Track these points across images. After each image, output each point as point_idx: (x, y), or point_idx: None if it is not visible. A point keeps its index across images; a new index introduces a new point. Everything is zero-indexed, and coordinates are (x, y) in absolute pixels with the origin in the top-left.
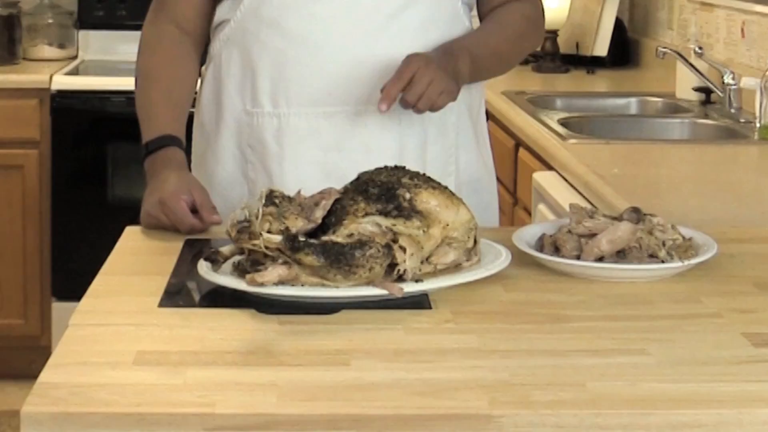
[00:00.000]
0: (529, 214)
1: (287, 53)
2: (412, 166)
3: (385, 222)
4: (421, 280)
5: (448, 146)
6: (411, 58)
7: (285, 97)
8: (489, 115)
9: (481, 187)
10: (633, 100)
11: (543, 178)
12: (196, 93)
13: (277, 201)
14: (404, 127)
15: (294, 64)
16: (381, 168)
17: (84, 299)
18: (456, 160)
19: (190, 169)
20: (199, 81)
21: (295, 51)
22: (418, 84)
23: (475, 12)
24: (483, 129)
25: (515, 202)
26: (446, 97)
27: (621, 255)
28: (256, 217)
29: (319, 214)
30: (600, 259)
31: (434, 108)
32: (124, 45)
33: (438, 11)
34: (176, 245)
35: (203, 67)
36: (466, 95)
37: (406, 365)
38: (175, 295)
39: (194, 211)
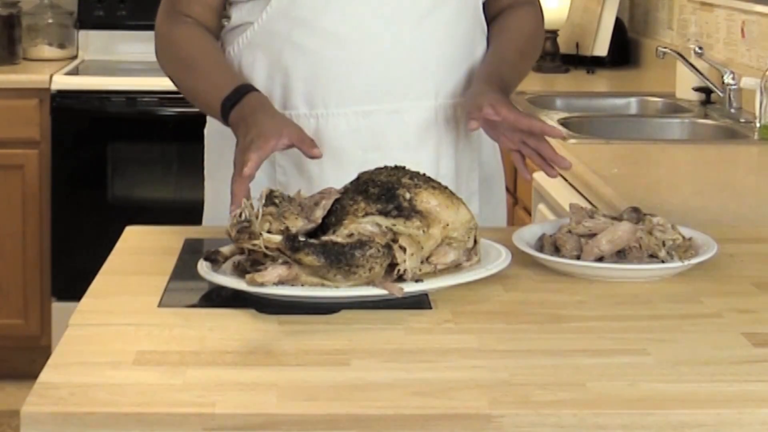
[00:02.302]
0: (529, 214)
1: (322, 53)
2: (447, 162)
3: (385, 222)
4: (421, 280)
5: (474, 140)
6: (493, 99)
7: (322, 97)
8: None
9: (494, 182)
10: (633, 100)
11: (543, 178)
12: None
13: (277, 201)
14: (440, 122)
15: (330, 64)
16: (381, 168)
17: (84, 299)
18: (479, 155)
19: (203, 174)
20: None
21: (330, 50)
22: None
23: None
24: None
25: (515, 202)
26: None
27: (621, 255)
28: (256, 217)
29: (319, 214)
30: (600, 259)
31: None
32: (124, 45)
33: (464, 8)
34: (176, 245)
35: None
36: None
37: (406, 365)
38: (175, 295)
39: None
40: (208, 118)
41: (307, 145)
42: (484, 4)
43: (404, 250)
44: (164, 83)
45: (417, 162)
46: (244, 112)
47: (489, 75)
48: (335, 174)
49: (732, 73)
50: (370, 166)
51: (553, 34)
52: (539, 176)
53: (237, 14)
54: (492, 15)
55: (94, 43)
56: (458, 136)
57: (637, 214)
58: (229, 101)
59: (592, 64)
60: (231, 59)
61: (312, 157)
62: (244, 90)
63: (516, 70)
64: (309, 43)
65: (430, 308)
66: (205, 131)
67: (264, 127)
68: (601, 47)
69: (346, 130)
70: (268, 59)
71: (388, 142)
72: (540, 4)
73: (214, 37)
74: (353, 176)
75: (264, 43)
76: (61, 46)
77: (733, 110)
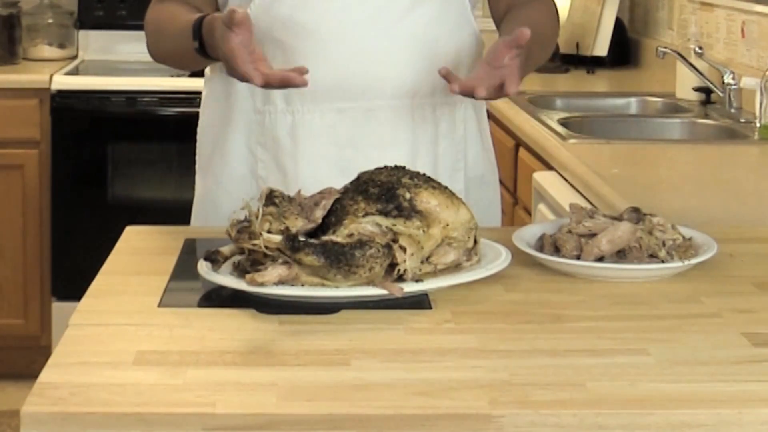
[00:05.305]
0: (529, 214)
1: (301, 50)
2: (424, 161)
3: (385, 222)
4: (421, 280)
5: (458, 141)
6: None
7: (298, 93)
8: (489, 115)
9: (485, 183)
10: (633, 100)
11: (543, 178)
12: (200, 94)
13: (277, 201)
14: (417, 121)
15: (307, 61)
16: (381, 168)
17: (84, 299)
18: (465, 155)
19: (195, 172)
20: (203, 82)
21: (308, 47)
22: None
23: (478, 12)
24: (485, 125)
25: (515, 202)
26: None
27: (621, 255)
28: (256, 217)
29: (319, 214)
30: (600, 259)
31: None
32: (124, 45)
33: (447, 8)
34: (176, 245)
35: (207, 69)
36: None
37: (406, 365)
38: (175, 295)
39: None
40: (200, 115)
41: (229, 19)
42: (490, 2)
43: (404, 250)
44: (164, 83)
45: (392, 160)
46: (209, 36)
47: None
48: (310, 170)
49: (732, 73)
50: (345, 163)
51: None
52: (539, 176)
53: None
54: (500, 13)
55: (94, 43)
56: (437, 136)
57: (637, 214)
58: (196, 32)
59: (592, 64)
60: None
61: (236, 23)
62: (201, 17)
63: (532, 54)
64: (288, 39)
65: (430, 308)
66: (198, 128)
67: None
68: (601, 47)
69: (321, 127)
70: None
71: (364, 139)
72: (553, 1)
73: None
74: (328, 172)
75: None
76: (61, 46)
77: (733, 110)
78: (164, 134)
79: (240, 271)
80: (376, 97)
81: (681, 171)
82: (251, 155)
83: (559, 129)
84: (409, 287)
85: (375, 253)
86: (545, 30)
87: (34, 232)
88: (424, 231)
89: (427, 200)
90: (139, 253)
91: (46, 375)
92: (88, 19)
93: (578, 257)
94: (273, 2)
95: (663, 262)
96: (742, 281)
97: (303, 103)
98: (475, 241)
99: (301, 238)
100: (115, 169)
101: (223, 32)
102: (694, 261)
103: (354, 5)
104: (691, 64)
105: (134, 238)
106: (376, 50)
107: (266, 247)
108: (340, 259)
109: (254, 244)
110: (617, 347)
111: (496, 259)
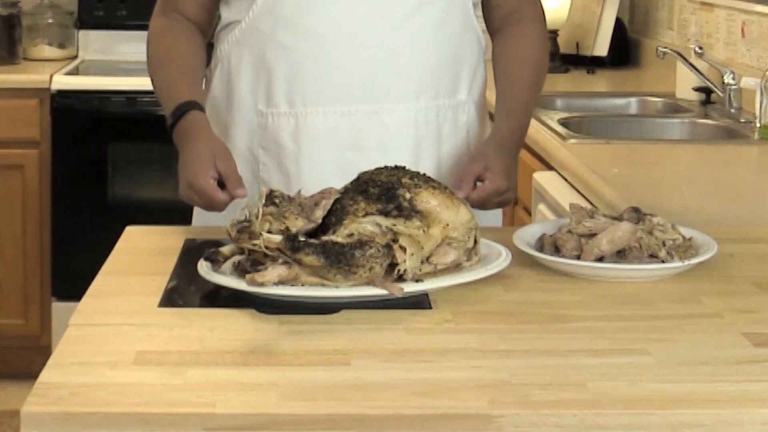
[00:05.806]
0: (529, 214)
1: (304, 52)
2: (427, 164)
3: (385, 222)
4: (421, 280)
5: (460, 144)
6: (497, 170)
7: (301, 96)
8: (490, 115)
9: None
10: (633, 100)
11: (543, 178)
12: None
13: (277, 201)
14: (420, 124)
15: (311, 63)
16: (381, 168)
17: (84, 299)
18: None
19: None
20: (203, 84)
21: (311, 50)
22: (497, 196)
23: (478, 12)
24: (487, 127)
25: (515, 202)
26: (501, 205)
27: (621, 255)
28: (256, 217)
29: (319, 214)
30: (600, 259)
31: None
32: (124, 45)
33: (451, 10)
34: (176, 245)
35: (207, 70)
36: (473, 92)
37: (406, 365)
38: (175, 295)
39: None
40: None
41: (231, 183)
42: (484, 9)
43: (404, 250)
44: None
45: (395, 163)
46: (181, 136)
47: (495, 132)
48: (312, 172)
49: (732, 73)
50: (347, 166)
51: (553, 34)
52: (539, 176)
53: (226, 13)
54: (495, 22)
55: (94, 43)
56: (440, 139)
57: (637, 214)
58: (172, 118)
59: (592, 64)
60: (218, 58)
61: (236, 197)
62: (185, 108)
63: (528, 108)
64: (291, 41)
65: (430, 308)
66: None
67: (195, 162)
68: (601, 47)
69: (323, 130)
70: (254, 57)
71: (366, 142)
72: (544, 18)
73: (196, 34)
74: (330, 175)
75: (250, 41)
76: (61, 46)
77: (733, 110)
78: (164, 134)
79: (240, 271)
80: (380, 100)
81: (681, 171)
82: (253, 158)
83: (559, 129)
84: (409, 287)
85: (375, 253)
86: (535, 67)
87: (34, 232)
88: (424, 231)
89: (427, 200)
90: (139, 253)
91: (46, 375)
92: (88, 19)
93: (578, 257)
94: (276, 4)
95: (663, 262)
96: (742, 281)
97: (306, 105)
98: (475, 241)
99: (301, 238)
100: (115, 169)
101: (207, 167)
102: (694, 261)
103: (357, 7)
104: (691, 64)
105: (134, 238)
106: (380, 53)
107: (266, 247)
108: (340, 259)
109: (254, 244)
110: (617, 347)
111: (496, 259)
